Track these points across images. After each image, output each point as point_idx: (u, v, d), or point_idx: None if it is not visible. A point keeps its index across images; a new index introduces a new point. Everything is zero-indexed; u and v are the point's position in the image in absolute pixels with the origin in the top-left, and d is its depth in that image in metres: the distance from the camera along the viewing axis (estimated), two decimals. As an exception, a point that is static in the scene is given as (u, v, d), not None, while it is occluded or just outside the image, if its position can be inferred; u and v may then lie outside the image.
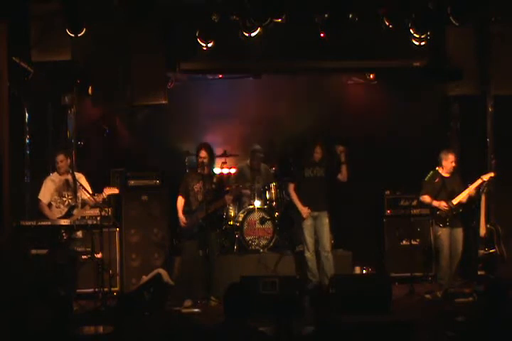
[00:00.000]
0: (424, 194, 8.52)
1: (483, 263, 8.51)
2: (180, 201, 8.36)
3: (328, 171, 8.66)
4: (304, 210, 8.56)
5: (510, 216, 9.08)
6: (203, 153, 8.30)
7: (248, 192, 9.40)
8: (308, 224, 8.58)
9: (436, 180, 8.52)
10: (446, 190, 8.44)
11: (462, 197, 8.38)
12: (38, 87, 8.28)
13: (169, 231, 9.08)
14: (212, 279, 8.22)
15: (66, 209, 7.92)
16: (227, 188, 8.53)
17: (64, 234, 7.67)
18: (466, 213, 8.67)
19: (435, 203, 8.41)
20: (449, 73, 8.02)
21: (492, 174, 8.41)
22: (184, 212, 8.32)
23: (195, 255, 8.28)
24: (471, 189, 8.38)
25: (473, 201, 8.58)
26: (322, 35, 7.92)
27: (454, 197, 8.38)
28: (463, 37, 8.15)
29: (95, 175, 8.61)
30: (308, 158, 8.69)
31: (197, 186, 8.35)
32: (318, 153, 8.61)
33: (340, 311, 7.09)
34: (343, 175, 8.62)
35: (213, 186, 8.31)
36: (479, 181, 8.37)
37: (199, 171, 8.36)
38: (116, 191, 8.20)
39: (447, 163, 8.45)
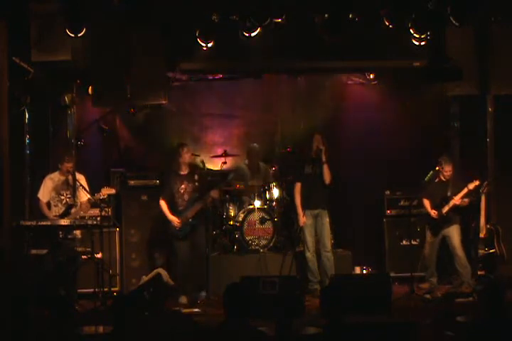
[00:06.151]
0: (424, 197, 8.60)
1: (483, 263, 8.52)
2: (164, 204, 8.38)
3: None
4: (302, 218, 8.54)
5: (510, 216, 9.08)
6: (189, 154, 8.35)
7: (243, 187, 9.41)
8: (308, 224, 8.57)
9: (437, 180, 8.56)
10: (441, 194, 8.50)
11: (450, 206, 8.42)
12: (38, 87, 8.27)
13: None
14: (209, 278, 8.24)
15: (64, 208, 7.93)
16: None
17: (63, 234, 7.69)
18: (466, 213, 8.70)
19: (429, 210, 8.55)
20: (449, 73, 8.01)
21: (477, 183, 8.38)
22: (173, 214, 8.35)
23: (189, 255, 8.30)
24: (456, 198, 8.40)
25: (471, 203, 8.61)
26: (322, 35, 7.91)
27: (445, 204, 8.45)
28: (463, 37, 8.14)
29: (95, 175, 8.62)
30: (307, 154, 8.67)
31: (182, 187, 8.39)
32: (316, 146, 8.54)
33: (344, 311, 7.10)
34: (325, 177, 8.51)
35: (196, 184, 8.35)
36: (465, 190, 8.38)
37: (181, 172, 8.40)
38: (113, 191, 8.21)
39: (442, 171, 8.49)
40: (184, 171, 8.44)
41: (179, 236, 8.29)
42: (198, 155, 9.05)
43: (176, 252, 8.35)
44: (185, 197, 8.39)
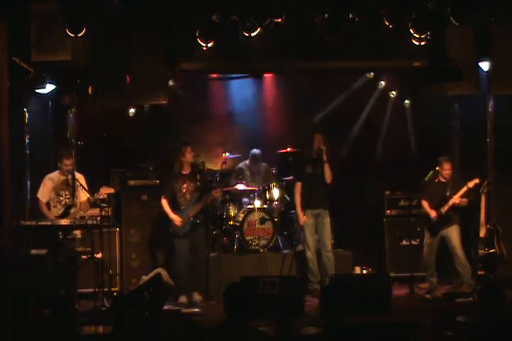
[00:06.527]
0: (423, 198, 8.58)
1: (483, 263, 8.52)
2: (165, 203, 8.40)
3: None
4: (301, 218, 8.54)
5: (510, 216, 9.08)
6: (192, 153, 8.38)
7: (243, 186, 9.41)
8: (309, 223, 8.57)
9: (436, 180, 8.56)
10: (441, 194, 8.49)
11: (449, 205, 8.40)
12: (38, 87, 8.27)
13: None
14: (208, 278, 8.24)
15: (63, 209, 7.93)
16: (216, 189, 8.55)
17: (62, 234, 7.69)
18: (466, 213, 8.69)
19: (428, 210, 8.51)
20: (449, 73, 8.02)
21: (477, 181, 8.37)
22: (175, 213, 8.36)
23: (189, 254, 8.30)
24: (456, 197, 8.38)
25: (471, 203, 8.60)
26: (322, 35, 7.91)
27: (444, 204, 8.43)
28: (463, 37, 8.15)
29: (95, 175, 8.62)
30: (308, 154, 8.66)
31: (184, 187, 8.41)
32: (317, 146, 8.53)
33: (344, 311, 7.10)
34: (326, 176, 8.51)
35: (198, 184, 8.39)
36: (464, 188, 8.37)
37: (183, 172, 8.42)
38: (112, 190, 8.22)
39: (442, 170, 8.48)
40: (186, 171, 8.45)
41: (179, 234, 8.30)
42: (199, 155, 9.03)
43: (176, 251, 8.35)
44: (187, 196, 8.40)
